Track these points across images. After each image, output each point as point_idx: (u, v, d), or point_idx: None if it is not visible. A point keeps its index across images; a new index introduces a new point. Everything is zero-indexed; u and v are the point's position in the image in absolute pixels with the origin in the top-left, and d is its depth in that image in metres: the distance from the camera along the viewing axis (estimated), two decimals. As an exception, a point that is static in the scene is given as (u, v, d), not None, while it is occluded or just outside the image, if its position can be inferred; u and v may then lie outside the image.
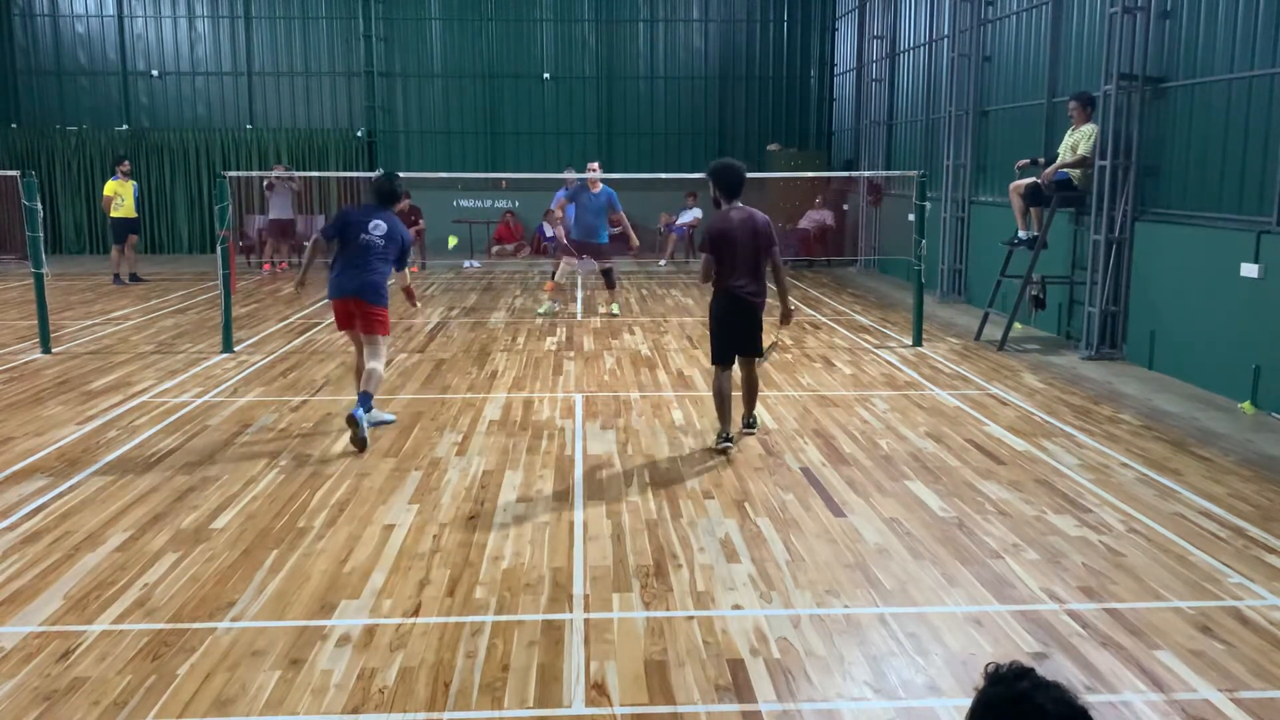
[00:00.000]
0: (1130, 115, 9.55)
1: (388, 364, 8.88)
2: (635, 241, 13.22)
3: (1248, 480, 6.14)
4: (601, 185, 12.54)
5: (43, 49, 20.50)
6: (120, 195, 15.75)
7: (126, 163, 16.12)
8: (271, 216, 17.55)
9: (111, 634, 4.15)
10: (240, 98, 20.81)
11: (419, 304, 8.03)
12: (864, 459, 6.62)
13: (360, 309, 7.15)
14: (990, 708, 1.79)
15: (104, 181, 17.00)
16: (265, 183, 17.66)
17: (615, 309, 12.98)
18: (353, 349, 7.65)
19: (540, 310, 12.96)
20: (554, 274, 13.35)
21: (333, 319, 7.74)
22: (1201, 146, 8.73)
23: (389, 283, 7.31)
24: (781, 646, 4.05)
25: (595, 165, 12.87)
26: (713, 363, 6.91)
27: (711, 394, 6.94)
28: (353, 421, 6.71)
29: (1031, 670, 1.81)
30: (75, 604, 4.43)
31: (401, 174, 7.84)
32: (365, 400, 6.94)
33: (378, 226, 7.22)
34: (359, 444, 6.76)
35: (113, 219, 15.84)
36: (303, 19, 20.73)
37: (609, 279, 12.98)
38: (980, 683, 1.85)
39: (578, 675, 3.82)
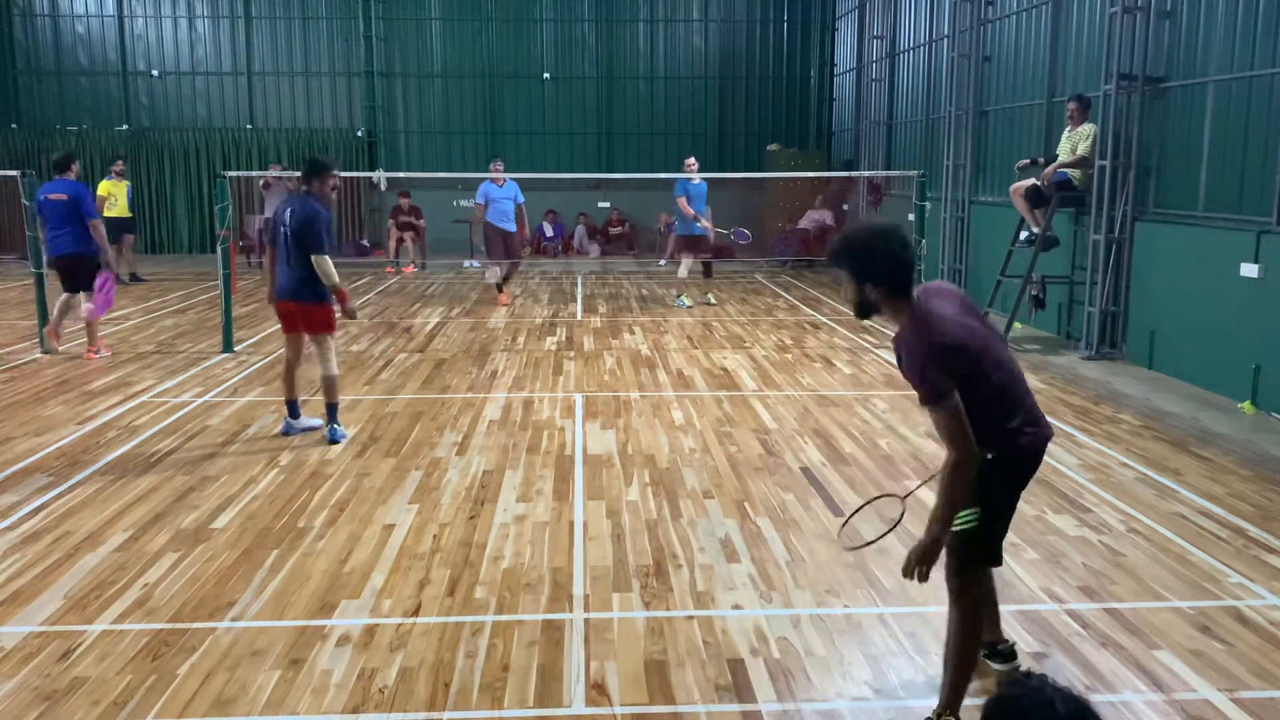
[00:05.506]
0: (1130, 115, 9.56)
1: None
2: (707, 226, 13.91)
3: (1248, 480, 6.14)
4: (699, 178, 13.40)
5: (43, 49, 20.50)
6: (114, 195, 15.78)
7: (120, 163, 16.18)
8: (267, 215, 17.55)
9: (111, 634, 4.15)
10: (240, 98, 20.81)
11: (350, 308, 7.03)
12: (864, 459, 6.62)
13: (299, 310, 6.90)
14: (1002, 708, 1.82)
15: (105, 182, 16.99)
16: (261, 182, 17.69)
17: (710, 298, 13.93)
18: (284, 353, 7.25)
19: (691, 303, 13.61)
20: (679, 272, 13.94)
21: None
22: (1201, 146, 8.73)
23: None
24: (781, 646, 4.05)
25: (693, 161, 13.56)
26: (985, 562, 3.51)
27: (965, 646, 3.41)
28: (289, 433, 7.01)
29: (1044, 676, 1.85)
30: (75, 604, 4.43)
31: (401, 174, 7.77)
32: (332, 412, 6.96)
33: (291, 214, 6.76)
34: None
35: (106, 219, 15.84)
36: (303, 19, 20.72)
37: (708, 270, 14.63)
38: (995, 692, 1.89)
39: (578, 675, 3.82)
